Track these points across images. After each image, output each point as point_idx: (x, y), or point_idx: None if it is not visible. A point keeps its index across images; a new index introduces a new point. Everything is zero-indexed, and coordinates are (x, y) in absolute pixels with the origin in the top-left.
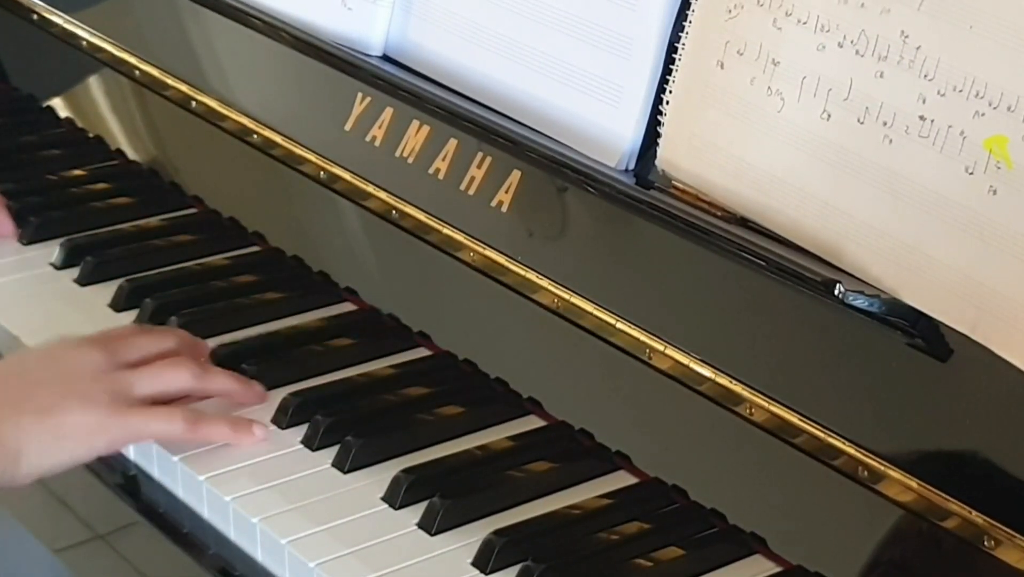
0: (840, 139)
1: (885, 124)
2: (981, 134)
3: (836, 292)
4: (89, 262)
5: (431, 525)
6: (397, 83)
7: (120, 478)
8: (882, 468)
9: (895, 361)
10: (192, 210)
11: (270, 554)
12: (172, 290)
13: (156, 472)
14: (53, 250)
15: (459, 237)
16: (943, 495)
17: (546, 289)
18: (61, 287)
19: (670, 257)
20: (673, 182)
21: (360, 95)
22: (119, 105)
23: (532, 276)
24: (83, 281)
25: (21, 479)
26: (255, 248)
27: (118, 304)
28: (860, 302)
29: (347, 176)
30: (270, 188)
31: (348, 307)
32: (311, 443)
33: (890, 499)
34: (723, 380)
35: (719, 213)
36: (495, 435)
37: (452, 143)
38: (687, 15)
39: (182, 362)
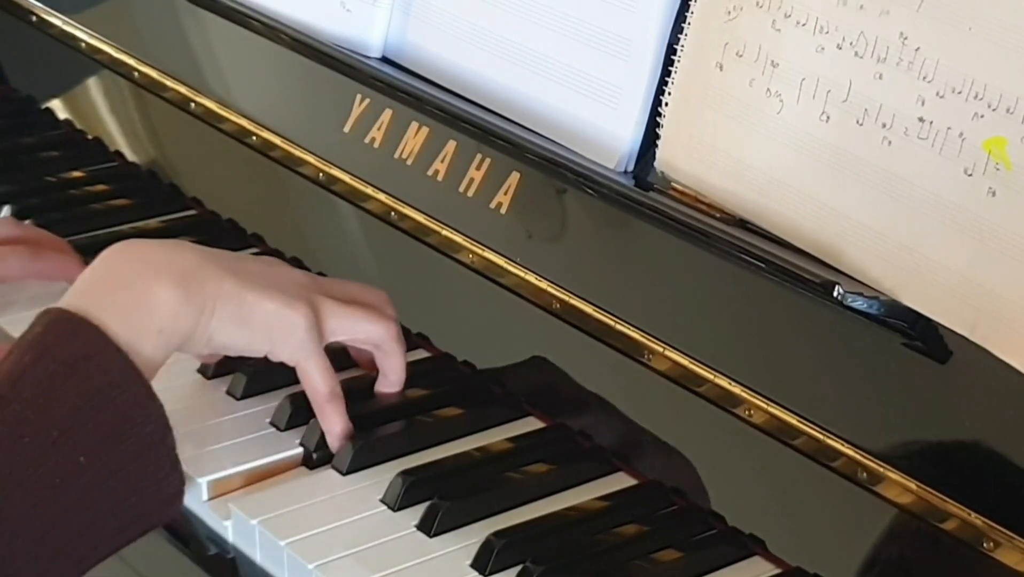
0: (839, 141)
1: (884, 126)
2: (980, 136)
3: (835, 294)
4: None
5: (430, 527)
6: (396, 85)
7: None
8: (881, 470)
9: (894, 363)
10: (191, 212)
11: (269, 556)
12: None
13: None
14: None
15: (458, 239)
16: (942, 497)
17: (545, 291)
18: (60, 288)
19: (669, 259)
20: (672, 184)
21: (359, 97)
22: (118, 107)
23: (531, 278)
24: None
25: (201, 344)
26: (254, 250)
27: None
28: (859, 304)
29: (346, 178)
30: (269, 190)
31: None
32: (310, 445)
33: (889, 501)
34: (722, 381)
35: (718, 215)
36: (494, 437)
37: (451, 145)
38: (686, 16)
39: (382, 319)
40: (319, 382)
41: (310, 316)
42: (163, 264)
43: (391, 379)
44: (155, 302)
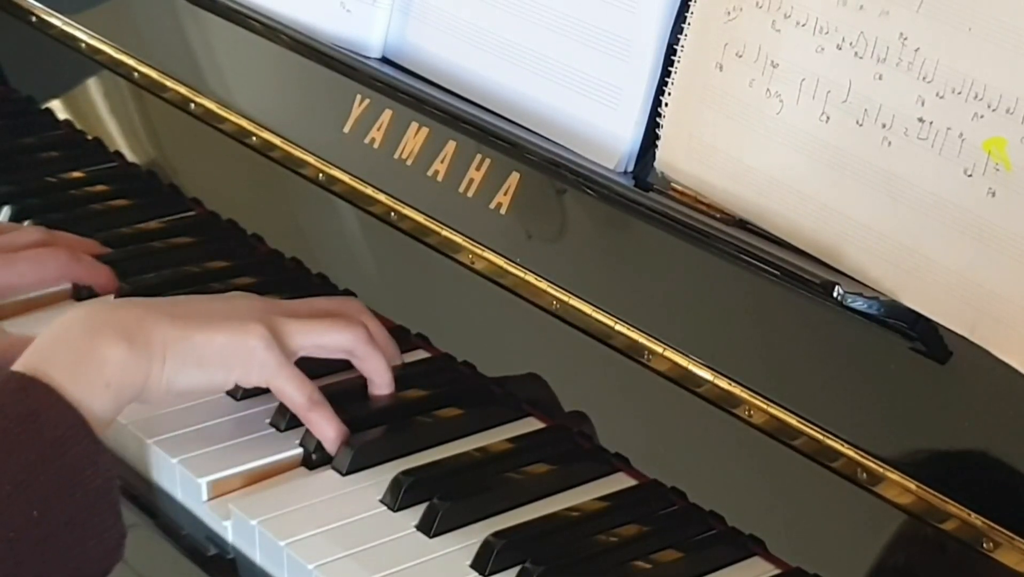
0: (839, 141)
1: (884, 126)
2: (980, 136)
3: (835, 294)
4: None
5: (430, 527)
6: (396, 85)
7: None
8: (881, 470)
9: (894, 363)
10: (191, 212)
11: (269, 556)
12: (171, 292)
13: (154, 475)
14: None
15: (458, 239)
16: (942, 497)
17: (545, 291)
18: (59, 290)
19: (669, 259)
20: (672, 184)
21: (359, 97)
22: (118, 107)
23: (531, 278)
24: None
25: (159, 392)
26: (254, 250)
27: None
28: (859, 304)
29: (346, 178)
30: (269, 190)
31: None
32: (310, 446)
33: (889, 501)
34: (722, 382)
35: (718, 215)
36: (494, 437)
37: (451, 145)
38: (686, 17)
39: (347, 326)
40: (294, 394)
41: (264, 334)
42: (108, 321)
43: (377, 382)
44: (101, 358)
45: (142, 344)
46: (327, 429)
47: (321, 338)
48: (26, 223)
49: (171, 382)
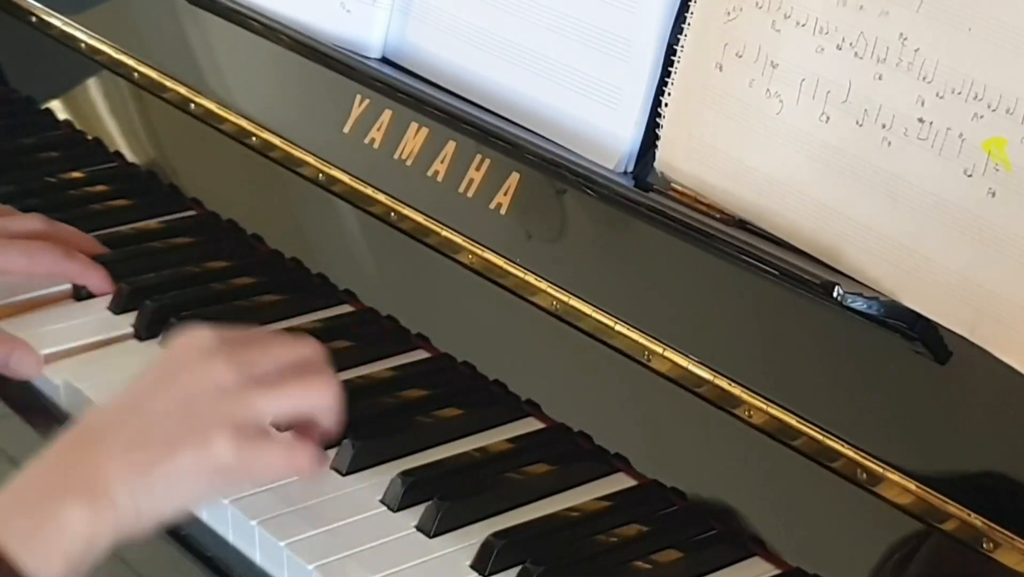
0: (839, 141)
1: (884, 126)
2: (980, 136)
3: (835, 294)
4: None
5: (430, 527)
6: (396, 85)
7: None
8: (881, 470)
9: (894, 363)
10: (191, 212)
11: (268, 556)
12: (171, 292)
13: None
14: None
15: (458, 239)
16: (942, 497)
17: (545, 291)
18: (60, 290)
19: (669, 259)
20: (672, 184)
21: (359, 97)
22: (118, 107)
23: (531, 278)
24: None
25: (145, 529)
26: (254, 250)
27: (117, 306)
28: (858, 304)
29: (346, 178)
30: (269, 190)
31: (347, 309)
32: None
33: (889, 501)
34: (722, 382)
35: (718, 215)
36: (494, 437)
37: (451, 145)
38: (686, 17)
39: (321, 379)
40: (290, 472)
41: (226, 442)
42: (66, 478)
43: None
44: (60, 525)
45: (103, 497)
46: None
47: (300, 405)
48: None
49: (145, 519)
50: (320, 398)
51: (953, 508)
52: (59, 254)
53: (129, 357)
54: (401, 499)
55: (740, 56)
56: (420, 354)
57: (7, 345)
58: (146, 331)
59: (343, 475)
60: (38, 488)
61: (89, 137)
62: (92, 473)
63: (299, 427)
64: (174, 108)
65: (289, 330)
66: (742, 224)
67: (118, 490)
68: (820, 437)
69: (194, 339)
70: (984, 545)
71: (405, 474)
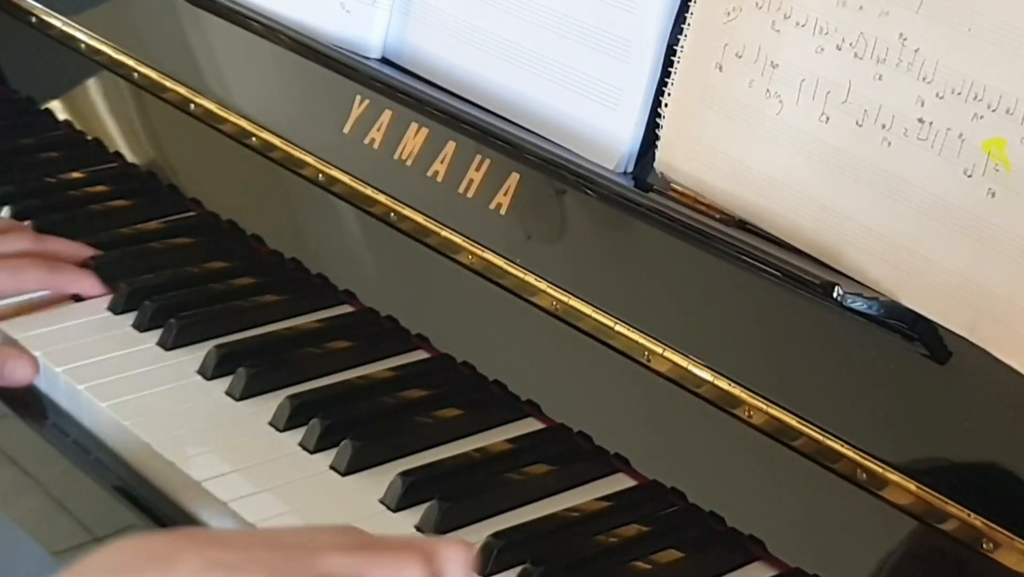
0: (838, 142)
1: (884, 127)
2: (980, 136)
3: (834, 295)
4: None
5: (430, 528)
6: (396, 85)
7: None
8: (881, 471)
9: (894, 364)
10: (191, 213)
11: None
12: (171, 293)
13: (154, 476)
14: None
15: (458, 239)
16: (942, 498)
17: (545, 291)
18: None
19: (669, 260)
20: (671, 184)
21: (359, 97)
22: (118, 107)
23: (531, 278)
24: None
25: None
26: (254, 251)
27: (117, 307)
28: (858, 305)
29: (346, 179)
30: (269, 191)
31: (346, 309)
32: (309, 446)
33: (889, 502)
34: (722, 383)
35: (717, 216)
36: (494, 437)
37: (451, 145)
38: (686, 17)
39: (415, 558)
40: None
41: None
42: None
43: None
44: None
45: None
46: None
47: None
48: (25, 224)
49: None
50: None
51: (953, 508)
52: (44, 270)
53: (129, 357)
54: (401, 499)
55: (740, 56)
56: (420, 354)
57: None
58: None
59: (342, 475)
60: None
61: (89, 137)
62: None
63: None
64: (174, 108)
65: (289, 330)
66: (742, 224)
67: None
68: (820, 437)
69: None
70: (984, 545)
71: (405, 474)
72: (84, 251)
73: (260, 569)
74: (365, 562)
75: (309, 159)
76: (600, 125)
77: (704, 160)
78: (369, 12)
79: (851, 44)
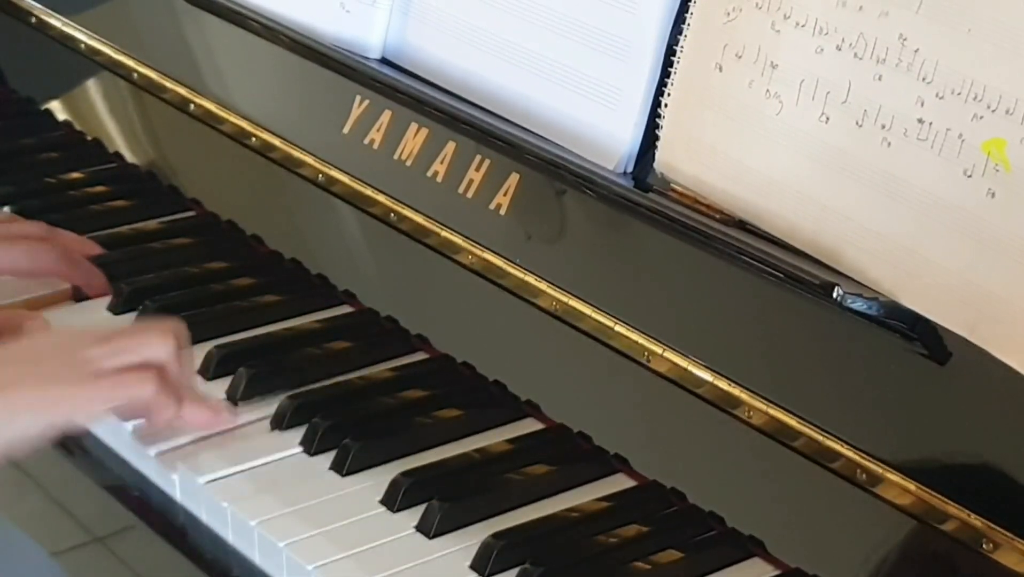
0: (838, 142)
1: (883, 127)
2: (979, 137)
3: (834, 295)
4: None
5: (429, 528)
6: (395, 86)
7: (117, 482)
8: (880, 471)
9: (893, 364)
10: (190, 213)
11: (268, 557)
12: (171, 293)
13: (153, 476)
14: None
15: (457, 240)
16: (942, 498)
17: (544, 292)
18: (59, 292)
19: (669, 260)
20: (671, 185)
21: (358, 98)
22: (117, 108)
23: (531, 279)
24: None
25: None
26: (254, 251)
27: (117, 307)
28: (858, 305)
29: (345, 179)
30: (268, 191)
31: (346, 309)
32: (309, 446)
33: (888, 502)
34: (721, 383)
35: (717, 216)
36: (494, 438)
37: (450, 146)
38: (685, 18)
39: (157, 337)
40: (138, 391)
41: (77, 375)
42: None
43: (187, 384)
44: None
45: None
46: (196, 416)
47: (127, 356)
48: (5, 209)
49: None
50: (158, 347)
51: (953, 508)
52: (60, 256)
53: None
54: (401, 500)
55: (740, 57)
56: (420, 355)
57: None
58: None
59: (342, 476)
60: None
61: (89, 138)
62: None
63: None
64: (174, 109)
65: (288, 330)
66: (742, 225)
67: None
68: (820, 438)
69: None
70: (984, 545)
71: (405, 475)
72: (94, 248)
73: (35, 380)
74: (119, 348)
75: (309, 159)
76: (600, 125)
77: (704, 160)
78: (369, 12)
79: (851, 44)
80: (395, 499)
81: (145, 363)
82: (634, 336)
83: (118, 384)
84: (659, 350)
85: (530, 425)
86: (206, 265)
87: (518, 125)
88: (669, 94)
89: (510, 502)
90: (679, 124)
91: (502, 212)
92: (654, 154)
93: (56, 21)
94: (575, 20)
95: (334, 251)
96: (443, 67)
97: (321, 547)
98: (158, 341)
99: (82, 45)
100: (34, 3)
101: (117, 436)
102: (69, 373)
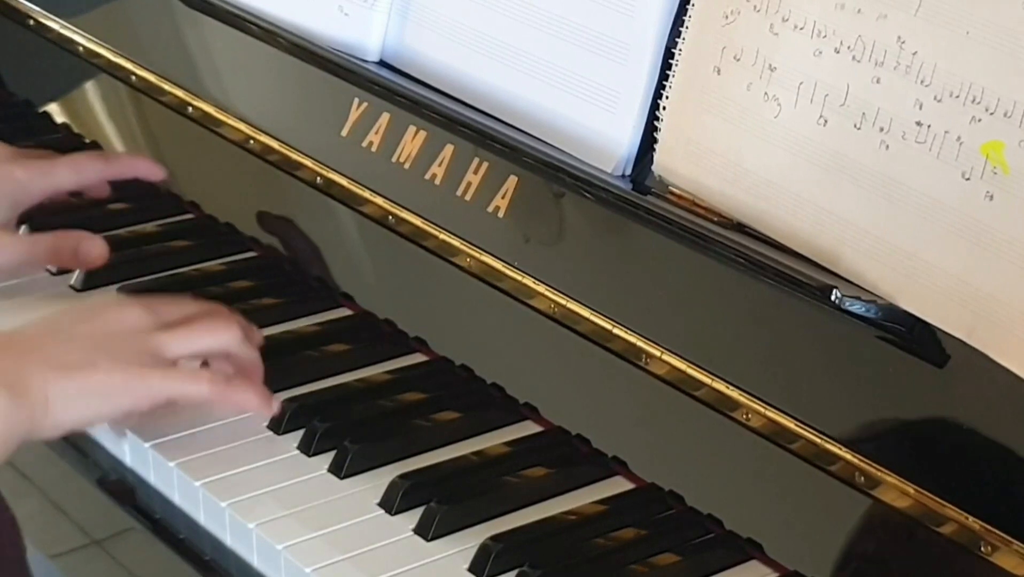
0: (837, 145)
1: (882, 130)
2: (978, 139)
3: (832, 297)
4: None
5: (427, 531)
6: (394, 88)
7: (116, 483)
8: (879, 474)
9: (892, 366)
10: (189, 216)
11: (266, 560)
12: (170, 295)
13: (152, 478)
14: None
15: (456, 243)
16: (940, 500)
17: (543, 294)
18: (58, 293)
19: (667, 262)
20: (670, 187)
21: (357, 101)
22: (115, 111)
23: (529, 281)
24: (80, 287)
25: (49, 430)
26: (251, 253)
27: None
28: (856, 307)
29: (344, 182)
30: (267, 193)
31: (344, 312)
32: (307, 449)
33: (887, 505)
34: (719, 386)
35: (716, 218)
36: (491, 441)
37: (449, 148)
38: (684, 20)
39: (223, 325)
40: (191, 392)
41: (143, 362)
42: None
43: (254, 379)
44: None
45: (23, 395)
46: (250, 400)
47: (197, 344)
48: (21, 229)
49: (58, 422)
50: (224, 335)
51: (951, 511)
52: (102, 160)
53: None
54: (398, 502)
55: (738, 59)
56: (418, 357)
57: (71, 238)
58: None
59: (341, 478)
60: None
61: (87, 140)
62: (15, 372)
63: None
64: (172, 111)
65: (286, 333)
66: (740, 227)
67: (35, 384)
68: (818, 440)
69: (112, 296)
70: (982, 548)
71: (403, 477)
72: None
73: (109, 363)
74: (190, 336)
75: (307, 162)
76: (598, 128)
77: (702, 163)
78: (367, 15)
79: (849, 47)
80: (393, 501)
81: (211, 353)
82: (632, 339)
83: (188, 380)
84: (657, 353)
85: (528, 428)
86: (204, 268)
87: (516, 128)
88: (667, 97)
89: (508, 505)
90: (677, 127)
91: (500, 215)
92: (652, 157)
93: (54, 24)
94: (573, 23)
95: (332, 254)
96: (441, 70)
97: (319, 549)
98: (224, 329)
99: (80, 48)
100: (32, 6)
101: (115, 438)
102: (141, 360)
